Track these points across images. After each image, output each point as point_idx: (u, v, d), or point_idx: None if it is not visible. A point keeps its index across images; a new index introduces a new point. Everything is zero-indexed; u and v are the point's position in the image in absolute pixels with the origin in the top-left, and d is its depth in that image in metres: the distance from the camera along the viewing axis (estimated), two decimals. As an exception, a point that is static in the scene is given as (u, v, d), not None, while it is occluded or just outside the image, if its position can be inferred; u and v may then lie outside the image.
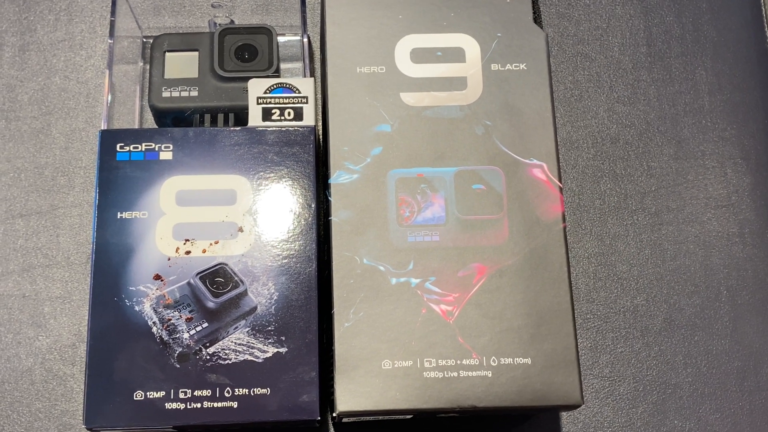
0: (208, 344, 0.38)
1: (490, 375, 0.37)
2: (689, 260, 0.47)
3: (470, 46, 0.41)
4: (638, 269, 0.47)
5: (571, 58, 0.50)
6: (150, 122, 0.47)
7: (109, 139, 0.40)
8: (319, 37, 0.48)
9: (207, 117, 0.43)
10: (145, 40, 0.48)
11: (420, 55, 0.41)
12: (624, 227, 0.47)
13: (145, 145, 0.40)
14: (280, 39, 0.47)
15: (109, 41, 0.43)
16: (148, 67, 0.47)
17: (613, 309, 0.46)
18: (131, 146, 0.40)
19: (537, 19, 0.42)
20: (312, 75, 0.43)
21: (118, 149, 0.40)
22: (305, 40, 0.44)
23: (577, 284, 0.46)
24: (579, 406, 0.37)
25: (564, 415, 0.44)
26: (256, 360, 0.38)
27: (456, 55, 0.41)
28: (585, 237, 0.47)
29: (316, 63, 0.48)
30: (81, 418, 0.43)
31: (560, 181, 0.40)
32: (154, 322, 0.38)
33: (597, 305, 0.46)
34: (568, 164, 0.48)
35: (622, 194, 0.48)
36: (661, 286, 0.46)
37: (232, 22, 0.47)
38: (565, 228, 0.39)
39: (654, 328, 0.46)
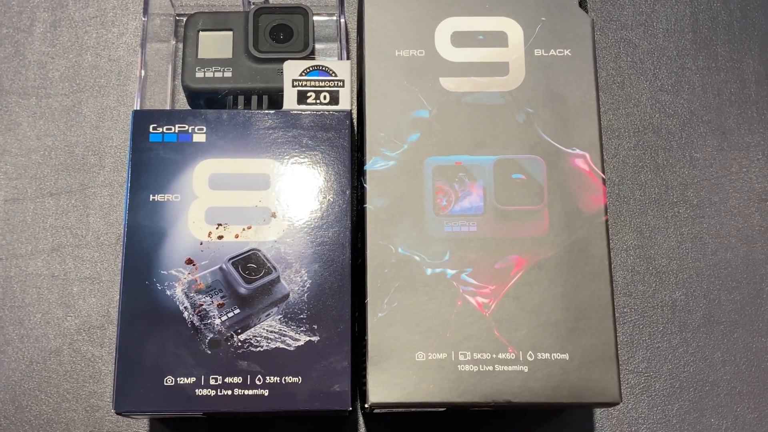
0: (239, 331, 0.37)
1: (526, 370, 0.36)
2: (731, 255, 0.46)
3: (513, 30, 0.40)
4: (678, 263, 0.45)
5: (613, 44, 0.49)
6: (180, 101, 0.46)
7: (142, 119, 0.39)
8: (354, 19, 0.47)
9: (240, 98, 0.42)
10: (177, 18, 0.47)
11: (461, 39, 0.40)
12: (664, 219, 0.46)
13: (179, 127, 0.39)
14: (315, 19, 0.46)
15: (143, 19, 0.42)
16: (180, 45, 0.47)
17: (651, 303, 0.45)
18: (164, 127, 0.39)
19: (582, 4, 0.40)
20: (348, 57, 0.42)
21: (151, 130, 0.39)
22: (342, 20, 0.43)
23: (614, 277, 0.45)
24: (617, 404, 0.36)
25: (598, 410, 0.43)
26: (288, 348, 0.37)
27: (498, 39, 0.40)
28: (624, 229, 0.46)
29: (351, 45, 0.47)
30: (109, 399, 0.43)
31: (603, 171, 0.38)
32: (185, 307, 0.37)
33: (634, 299, 0.45)
34: (609, 154, 0.47)
35: (663, 185, 0.46)
36: (701, 280, 0.45)
37: (266, 0, 0.46)
38: (607, 220, 0.38)
39: (692, 323, 0.45)
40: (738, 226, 0.46)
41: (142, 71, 0.41)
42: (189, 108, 0.44)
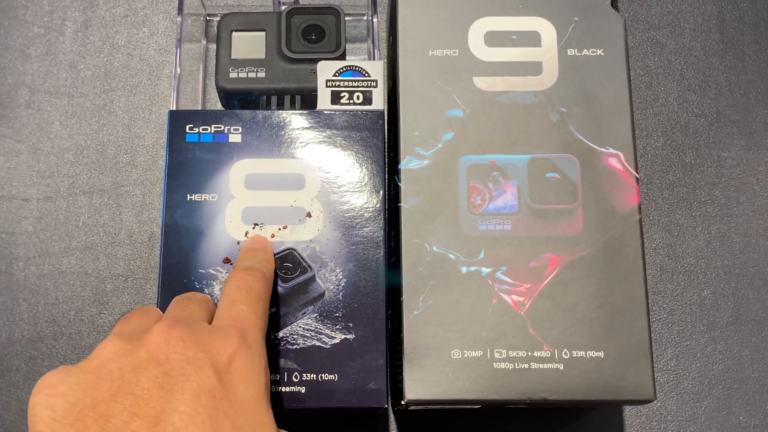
0: (276, 329, 0.37)
1: (561, 368, 0.36)
2: (758, 254, 0.46)
3: (546, 30, 0.40)
4: (706, 262, 0.46)
5: (641, 44, 0.49)
6: (212, 101, 0.47)
7: (178, 119, 0.40)
8: (385, 18, 0.47)
9: (274, 99, 0.42)
10: (208, 18, 0.47)
11: (494, 39, 0.40)
12: (692, 218, 0.46)
13: (215, 127, 0.39)
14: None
15: (178, 19, 0.42)
16: (210, 45, 0.47)
17: (679, 302, 0.45)
18: (201, 128, 0.39)
19: (614, 4, 0.41)
20: (379, 57, 0.43)
21: (187, 130, 0.39)
22: (375, 20, 0.44)
23: (643, 276, 0.45)
24: (651, 401, 0.36)
25: (627, 407, 0.43)
26: (324, 346, 0.37)
27: (531, 39, 0.40)
28: (652, 227, 0.46)
29: (381, 44, 0.48)
30: (143, 396, 0.43)
31: (636, 171, 0.39)
32: (222, 305, 0.37)
33: (663, 297, 0.45)
34: (637, 153, 0.47)
35: (691, 185, 0.47)
36: (729, 279, 0.45)
37: (296, 0, 0.46)
38: (640, 219, 0.38)
39: (721, 322, 0.45)
40: (765, 225, 0.46)
41: (178, 70, 0.42)
42: (221, 108, 0.44)
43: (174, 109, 0.41)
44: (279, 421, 0.42)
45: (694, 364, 0.44)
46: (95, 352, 0.29)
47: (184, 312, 0.33)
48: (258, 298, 0.34)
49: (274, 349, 0.37)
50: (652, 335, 0.44)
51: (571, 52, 0.40)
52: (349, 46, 0.47)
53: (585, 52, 0.40)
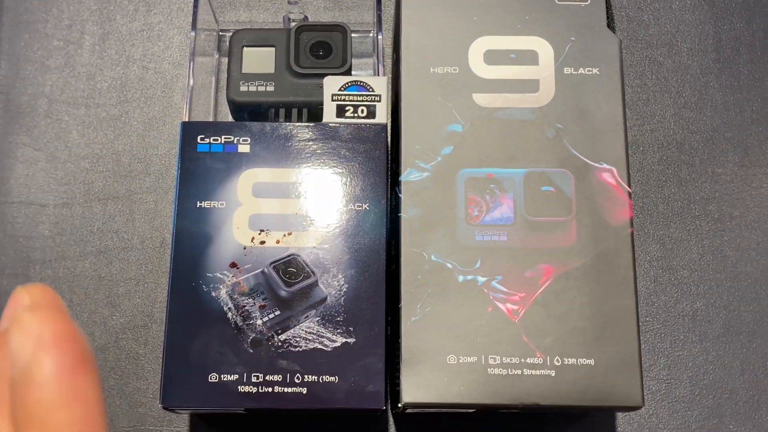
0: (279, 331, 0.39)
1: (553, 374, 0.38)
2: (750, 267, 0.47)
3: (544, 49, 0.42)
4: (699, 274, 0.47)
5: (639, 62, 0.50)
6: (223, 112, 0.48)
7: (190, 130, 0.41)
8: (390, 35, 0.49)
9: (282, 111, 0.44)
10: (221, 33, 0.49)
11: (493, 57, 0.42)
12: (686, 232, 0.48)
13: (225, 138, 0.41)
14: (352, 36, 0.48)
15: (192, 34, 0.44)
16: (223, 60, 0.49)
17: (672, 313, 0.46)
18: (211, 138, 0.41)
19: (611, 24, 0.42)
20: (383, 73, 0.44)
21: (198, 141, 0.41)
22: (380, 37, 0.45)
23: (638, 287, 0.46)
24: (639, 407, 0.38)
25: (620, 414, 0.45)
26: (325, 348, 0.39)
27: (529, 57, 0.42)
28: (647, 240, 0.47)
29: (386, 60, 0.49)
30: (151, 396, 0.45)
31: (629, 186, 0.40)
32: (229, 308, 0.39)
33: (657, 308, 0.46)
34: (634, 167, 0.48)
35: (685, 199, 0.48)
36: (721, 292, 0.47)
37: (305, 18, 0.48)
38: (632, 233, 0.39)
39: (712, 333, 0.46)
40: (758, 240, 0.48)
41: (191, 83, 0.43)
42: (232, 119, 0.46)
43: (186, 120, 0.43)
44: (278, 422, 0.43)
45: (685, 374, 0.45)
46: None
47: None
48: None
49: (277, 351, 0.39)
50: (646, 345, 0.46)
51: (567, 70, 0.41)
52: (355, 62, 0.48)
53: (581, 70, 0.41)
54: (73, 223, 0.48)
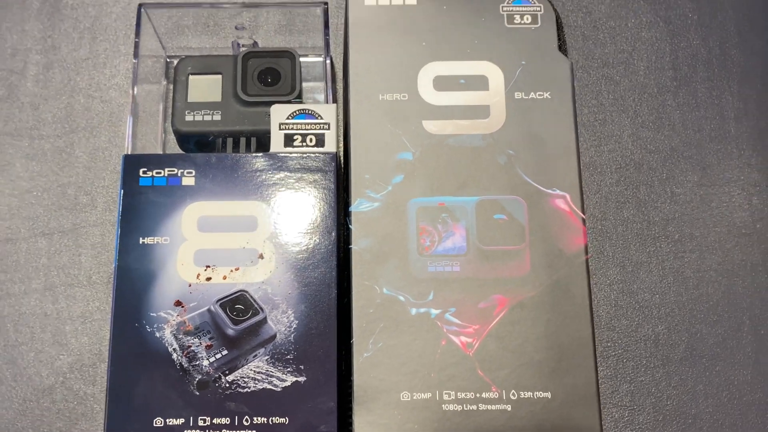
0: (227, 372, 0.38)
1: (509, 409, 0.37)
2: (712, 289, 0.47)
3: (494, 74, 0.41)
4: (660, 297, 0.46)
5: (595, 81, 0.50)
6: (172, 141, 0.47)
7: (132, 163, 0.40)
8: (341, 58, 0.48)
9: (229, 141, 0.43)
10: (168, 60, 0.48)
11: (443, 83, 0.41)
12: (647, 254, 0.47)
13: (168, 170, 0.40)
14: (302, 59, 0.47)
15: (134, 61, 0.43)
16: (171, 87, 0.48)
17: (633, 337, 0.45)
18: (154, 171, 0.40)
19: (562, 47, 0.41)
20: (334, 98, 0.43)
21: (140, 174, 0.40)
22: (328, 62, 0.44)
23: (598, 312, 0.46)
24: (599, 441, 0.37)
25: (583, 444, 0.44)
26: (275, 389, 0.38)
27: (479, 83, 0.41)
28: (607, 264, 0.47)
29: (338, 84, 0.48)
30: (101, 438, 0.43)
31: (583, 212, 0.39)
32: (174, 349, 0.38)
33: (618, 333, 0.46)
34: (591, 189, 0.48)
35: (645, 221, 0.47)
36: (683, 314, 0.46)
37: (255, 43, 0.47)
38: (587, 260, 0.39)
39: (675, 357, 0.45)
40: (719, 261, 0.47)
41: (131, 116, 0.42)
42: (180, 149, 0.45)
43: (128, 153, 0.41)
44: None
45: (648, 400, 0.45)
46: None
47: None
48: None
49: (224, 393, 0.37)
50: (607, 371, 0.45)
51: (518, 95, 0.41)
52: (310, 85, 0.47)
53: (532, 95, 0.41)
54: (17, 259, 0.46)
